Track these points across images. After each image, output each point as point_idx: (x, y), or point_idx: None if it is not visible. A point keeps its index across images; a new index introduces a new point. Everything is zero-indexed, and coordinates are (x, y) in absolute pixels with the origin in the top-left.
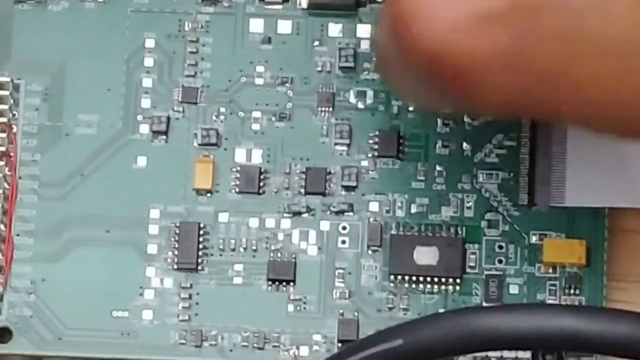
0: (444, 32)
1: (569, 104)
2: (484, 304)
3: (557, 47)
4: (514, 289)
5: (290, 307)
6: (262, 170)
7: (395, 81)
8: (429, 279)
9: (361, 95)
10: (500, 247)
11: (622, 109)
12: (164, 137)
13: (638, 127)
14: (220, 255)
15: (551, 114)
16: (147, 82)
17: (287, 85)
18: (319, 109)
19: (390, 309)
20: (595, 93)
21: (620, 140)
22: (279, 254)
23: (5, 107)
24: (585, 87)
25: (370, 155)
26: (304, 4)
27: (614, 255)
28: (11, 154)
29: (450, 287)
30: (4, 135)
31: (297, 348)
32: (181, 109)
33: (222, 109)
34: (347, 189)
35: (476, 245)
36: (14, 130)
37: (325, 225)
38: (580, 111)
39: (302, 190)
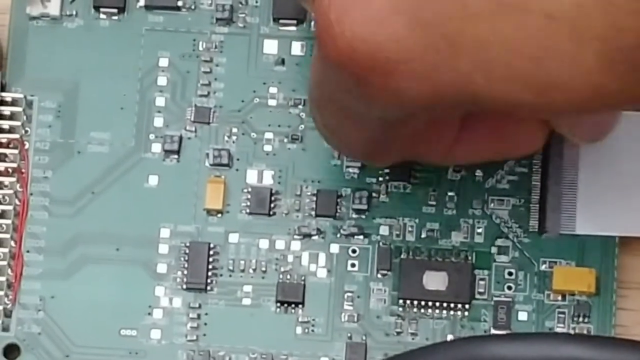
0: (360, 28)
1: (479, 69)
2: (493, 330)
3: (456, 11)
4: (522, 316)
5: (299, 330)
6: (273, 191)
7: (327, 117)
8: (437, 304)
9: None
10: (510, 274)
11: (525, 69)
12: (176, 156)
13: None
14: (230, 275)
15: (472, 91)
16: (160, 101)
17: (300, 107)
18: None
19: (398, 333)
20: (497, 52)
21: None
22: (289, 276)
23: (18, 123)
24: (487, 45)
25: (381, 178)
26: None
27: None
28: (23, 170)
29: (459, 313)
30: (16, 151)
31: None
32: (193, 129)
33: (235, 130)
34: (358, 212)
35: (486, 271)
36: (26, 146)
37: (335, 248)
38: (491, 78)
39: (313, 213)
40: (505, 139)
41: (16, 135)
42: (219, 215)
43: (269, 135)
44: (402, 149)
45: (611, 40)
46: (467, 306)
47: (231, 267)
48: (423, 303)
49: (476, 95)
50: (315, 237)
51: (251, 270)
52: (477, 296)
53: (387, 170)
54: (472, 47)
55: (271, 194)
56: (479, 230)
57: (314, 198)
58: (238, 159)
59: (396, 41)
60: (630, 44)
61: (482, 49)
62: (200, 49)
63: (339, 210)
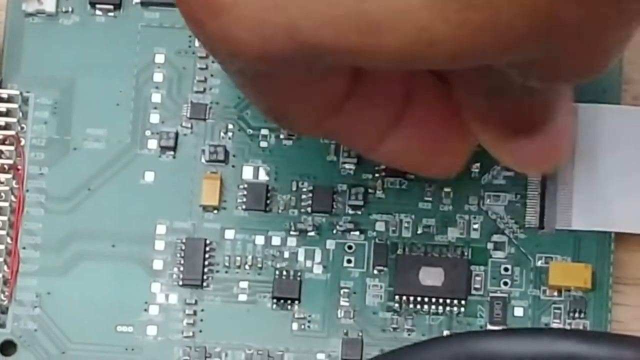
0: None
1: (305, 10)
2: (489, 326)
3: None
4: (518, 312)
5: (295, 326)
6: (269, 187)
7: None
8: (434, 299)
9: None
10: (506, 270)
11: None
12: (172, 152)
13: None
14: (226, 272)
15: (301, 37)
16: (156, 98)
17: None
18: None
19: (394, 329)
20: None
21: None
22: (285, 272)
23: (14, 120)
24: None
25: (377, 174)
26: None
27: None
28: (19, 166)
29: (455, 309)
30: (12, 148)
31: None
32: (190, 125)
33: (231, 126)
34: (354, 208)
35: (482, 267)
36: (22, 143)
37: (331, 244)
38: (316, 19)
39: (309, 209)
40: (428, 151)
41: (12, 132)
42: (215, 211)
43: (264, 131)
44: (312, 116)
45: None
46: (463, 302)
47: (227, 264)
48: (419, 299)
49: (305, 41)
50: (311, 233)
51: (247, 267)
52: (473, 292)
53: (383, 166)
54: None
55: (267, 190)
56: (475, 226)
57: (310, 194)
58: (234, 155)
59: None
60: None
61: None
62: (197, 45)
63: (335, 207)
